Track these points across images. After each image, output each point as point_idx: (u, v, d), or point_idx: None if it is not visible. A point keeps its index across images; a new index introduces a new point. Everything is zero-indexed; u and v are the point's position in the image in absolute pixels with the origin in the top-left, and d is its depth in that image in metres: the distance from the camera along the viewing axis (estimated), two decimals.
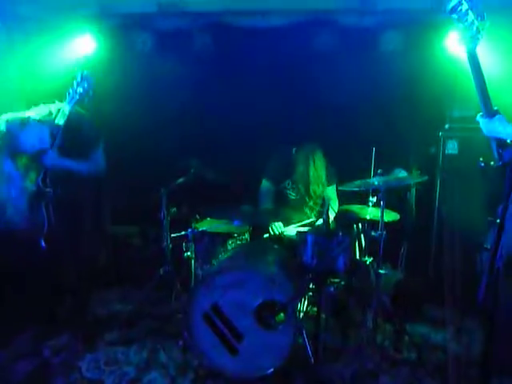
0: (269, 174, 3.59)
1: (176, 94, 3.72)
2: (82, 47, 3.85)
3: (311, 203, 3.55)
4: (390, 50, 3.67)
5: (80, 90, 2.86)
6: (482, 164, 1.86)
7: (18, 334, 2.95)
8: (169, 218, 3.35)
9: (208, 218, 3.40)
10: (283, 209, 3.53)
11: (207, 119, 3.87)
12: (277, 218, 3.34)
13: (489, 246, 1.22)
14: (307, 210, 3.57)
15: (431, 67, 3.59)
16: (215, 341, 2.55)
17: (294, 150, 3.55)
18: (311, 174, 3.48)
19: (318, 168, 3.49)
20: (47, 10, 3.65)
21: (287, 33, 3.70)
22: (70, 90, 2.86)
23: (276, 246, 3.14)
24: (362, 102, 3.65)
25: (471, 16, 1.71)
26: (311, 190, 3.51)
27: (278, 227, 3.31)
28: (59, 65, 3.69)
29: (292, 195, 3.57)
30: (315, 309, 2.65)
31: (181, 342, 2.81)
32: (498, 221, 1.18)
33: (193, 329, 2.58)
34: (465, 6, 1.73)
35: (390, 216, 3.16)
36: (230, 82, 3.79)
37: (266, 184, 3.59)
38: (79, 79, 2.87)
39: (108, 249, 3.94)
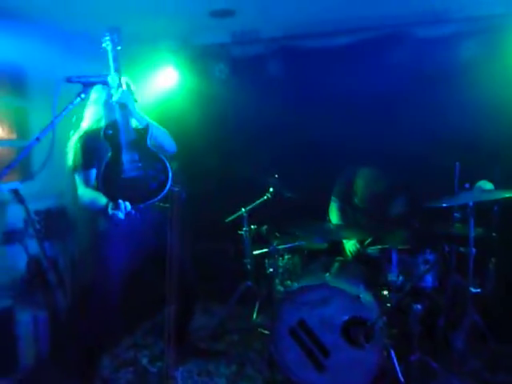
0: (336, 193, 3.66)
1: (253, 118, 3.89)
2: (165, 79, 4.17)
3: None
4: (470, 57, 3.56)
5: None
6: None
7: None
8: (250, 236, 3.53)
9: (289, 235, 3.50)
10: (357, 226, 3.53)
11: (283, 140, 4.00)
12: (353, 235, 3.36)
13: None
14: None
15: None
16: (302, 356, 2.61)
17: (358, 170, 3.57)
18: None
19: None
20: (131, 44, 3.96)
21: (358, 51, 3.75)
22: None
23: (358, 263, 3.15)
24: (445, 114, 3.56)
25: None
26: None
27: (351, 246, 3.34)
28: (145, 99, 3.98)
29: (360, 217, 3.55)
30: (402, 328, 2.62)
31: (267, 357, 2.90)
32: None
33: (279, 344, 2.66)
34: None
35: (476, 231, 3.03)
36: (303, 103, 3.90)
37: (333, 203, 3.66)
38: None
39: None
